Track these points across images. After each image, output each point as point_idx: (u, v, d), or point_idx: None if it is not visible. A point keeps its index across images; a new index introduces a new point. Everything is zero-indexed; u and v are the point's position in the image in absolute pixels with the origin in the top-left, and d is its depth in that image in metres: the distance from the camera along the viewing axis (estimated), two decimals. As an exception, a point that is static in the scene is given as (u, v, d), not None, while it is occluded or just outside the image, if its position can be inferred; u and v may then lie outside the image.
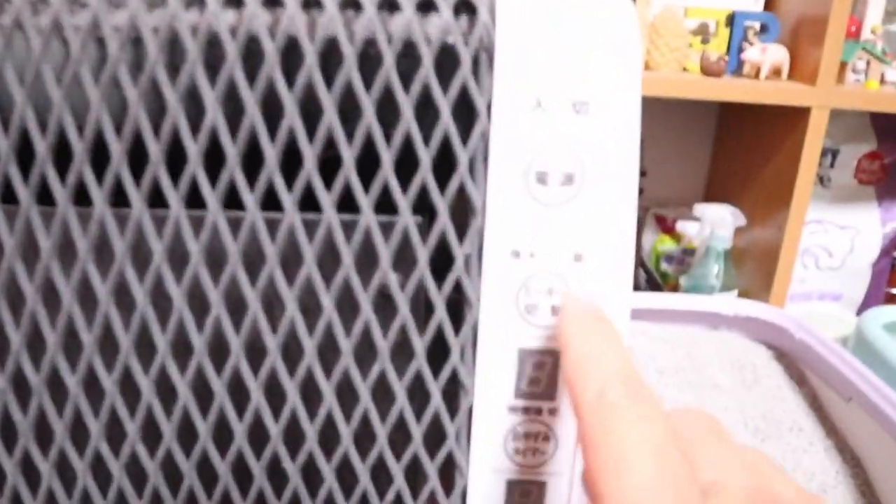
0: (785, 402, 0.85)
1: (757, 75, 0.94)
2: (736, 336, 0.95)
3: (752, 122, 1.05)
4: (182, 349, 0.27)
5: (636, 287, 1.18)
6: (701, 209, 1.04)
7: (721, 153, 1.17)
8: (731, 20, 0.97)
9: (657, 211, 1.18)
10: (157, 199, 0.25)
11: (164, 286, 0.26)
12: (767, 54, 0.92)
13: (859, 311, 1.13)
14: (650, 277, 1.17)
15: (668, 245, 1.14)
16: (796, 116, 0.92)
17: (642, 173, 1.21)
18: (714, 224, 1.02)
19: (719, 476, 0.21)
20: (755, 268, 1.06)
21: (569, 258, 0.26)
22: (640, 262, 1.20)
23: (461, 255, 0.25)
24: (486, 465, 0.28)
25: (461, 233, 0.26)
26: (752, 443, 0.78)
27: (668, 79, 0.92)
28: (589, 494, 0.21)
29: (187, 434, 0.27)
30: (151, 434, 0.27)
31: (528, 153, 0.25)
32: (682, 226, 1.09)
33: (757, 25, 0.96)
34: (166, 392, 0.27)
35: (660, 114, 1.16)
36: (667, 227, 1.16)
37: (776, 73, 0.94)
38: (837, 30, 0.88)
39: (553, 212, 0.25)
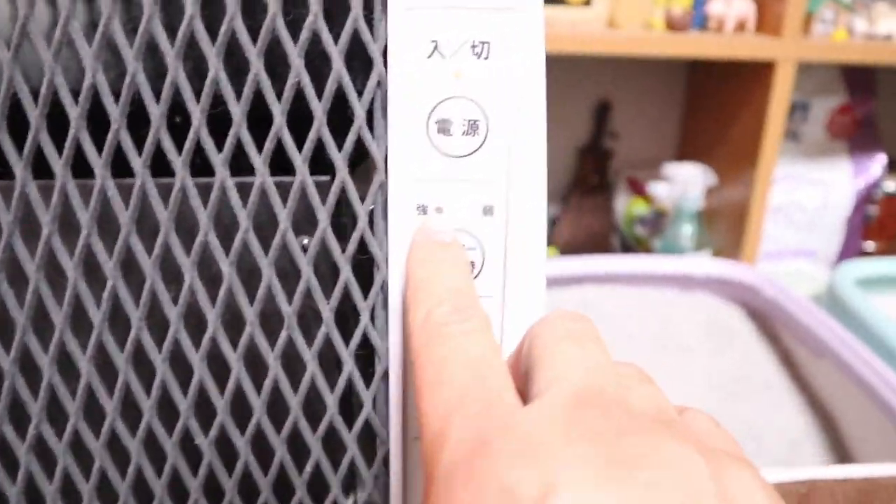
0: (757, 361, 0.84)
1: (721, 29, 0.93)
2: (708, 297, 0.94)
3: (720, 78, 1.04)
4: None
5: (609, 251, 1.17)
6: (671, 169, 1.03)
7: (691, 112, 1.15)
8: (694, -25, 0.95)
9: (630, 173, 1.17)
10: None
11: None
12: (732, 7, 0.91)
13: (834, 268, 1.12)
14: (624, 241, 1.16)
15: (640, 208, 1.13)
16: (763, 70, 0.91)
17: (613, 136, 1.20)
18: (685, 184, 1.01)
19: (557, 374, 0.18)
20: (727, 227, 1.05)
21: (477, 211, 0.25)
22: (613, 227, 1.19)
23: (363, 213, 0.24)
24: (407, 432, 0.27)
25: (363, 190, 0.24)
26: (722, 404, 0.78)
27: (632, 36, 0.90)
28: (416, 413, 0.20)
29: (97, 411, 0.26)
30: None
31: (429, 101, 0.24)
32: (654, 188, 1.08)
33: (720, -21, 0.94)
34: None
35: (627, 74, 1.14)
36: (639, 190, 1.15)
37: (741, 26, 0.93)
38: (801, -21, 0.87)
39: (458, 163, 0.24)
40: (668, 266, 0.93)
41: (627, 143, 1.19)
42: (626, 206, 1.16)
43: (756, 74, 0.93)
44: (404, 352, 0.26)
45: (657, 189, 1.07)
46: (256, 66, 0.23)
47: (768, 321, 0.89)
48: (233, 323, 0.26)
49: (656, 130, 1.19)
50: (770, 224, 1.05)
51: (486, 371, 0.19)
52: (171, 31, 0.23)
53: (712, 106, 1.08)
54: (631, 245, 1.14)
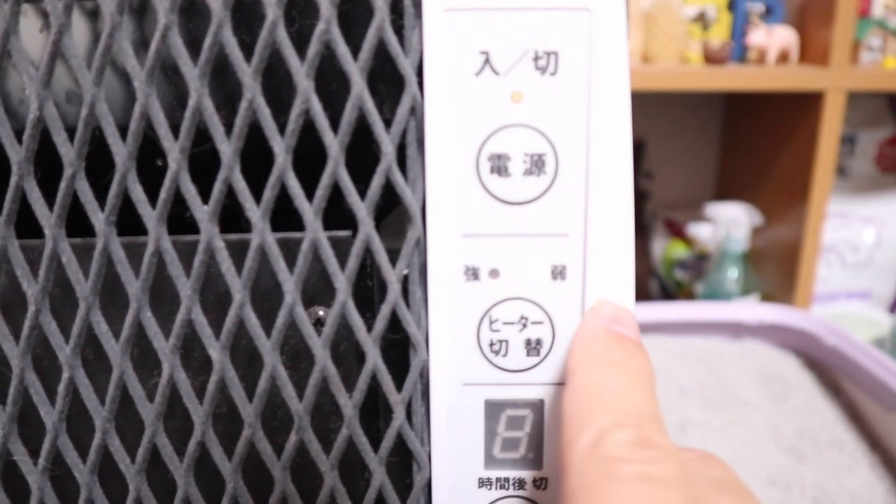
0: (820, 415, 0.77)
1: (762, 60, 0.87)
2: (761, 345, 0.87)
3: (762, 111, 0.98)
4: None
5: (648, 298, 1.10)
6: (713, 210, 0.96)
7: (730, 148, 1.09)
8: (732, 4, 0.90)
9: (667, 215, 1.11)
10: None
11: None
12: (774, 37, 0.85)
13: (892, 309, 1.05)
14: (663, 287, 1.10)
15: (680, 251, 1.06)
16: (809, 102, 0.85)
17: (648, 176, 1.14)
18: (728, 225, 0.94)
19: None
20: (775, 269, 0.98)
21: (544, 275, 0.19)
22: (651, 271, 1.13)
23: (395, 280, 0.18)
24: (455, 560, 0.20)
25: (395, 249, 0.19)
26: (787, 464, 0.70)
27: (668, 70, 0.85)
28: None
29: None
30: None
31: (479, 132, 0.18)
32: (695, 229, 1.02)
33: (760, 7, 0.89)
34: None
35: (662, 110, 1.09)
36: (678, 232, 1.08)
37: (784, 57, 0.87)
38: (848, 5, 0.81)
39: (519, 212, 0.18)
40: (716, 312, 0.87)
41: (663, 182, 1.13)
42: (664, 249, 1.09)
43: (802, 106, 0.87)
44: (452, 459, 0.20)
45: (698, 230, 1.01)
46: (252, 90, 0.17)
47: (828, 371, 0.82)
48: (227, 424, 0.20)
49: (693, 169, 1.13)
50: (821, 265, 0.98)
51: None
52: (142, 47, 0.17)
53: (754, 141, 1.02)
54: (671, 290, 1.07)
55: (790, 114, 0.90)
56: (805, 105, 0.86)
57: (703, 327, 0.87)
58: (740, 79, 0.84)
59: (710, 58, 0.87)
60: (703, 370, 0.82)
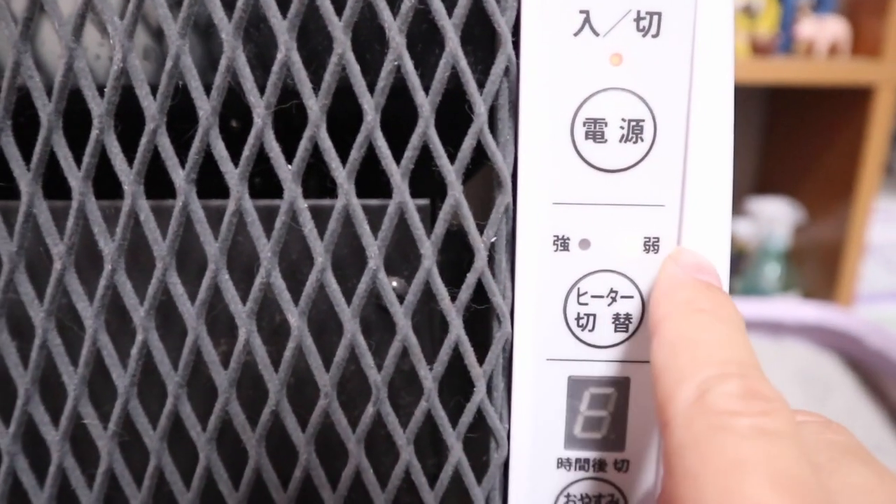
0: (862, 418, 0.75)
1: (811, 52, 0.85)
2: (801, 345, 0.85)
3: (807, 105, 0.96)
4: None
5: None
6: (755, 205, 0.95)
7: (773, 142, 1.07)
8: (780, -4, 0.88)
9: (703, 210, 1.09)
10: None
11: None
12: (825, 29, 0.83)
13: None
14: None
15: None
16: (859, 96, 0.83)
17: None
18: (771, 221, 0.93)
19: None
20: (817, 268, 0.96)
21: (637, 247, 0.18)
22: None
23: (483, 248, 0.18)
24: (530, 542, 0.20)
25: (483, 216, 0.18)
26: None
27: (713, 62, 0.83)
28: None
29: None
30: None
31: (575, 95, 0.17)
32: (734, 225, 1.00)
33: (810, -1, 0.87)
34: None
35: (703, 104, 1.07)
36: (715, 227, 1.06)
37: (833, 49, 0.85)
38: (903, -3, 0.79)
39: (613, 180, 0.17)
40: (756, 310, 0.85)
41: (701, 176, 1.11)
42: (700, 243, 1.07)
43: (851, 100, 0.85)
44: (531, 437, 0.19)
45: (737, 226, 0.99)
46: (342, 45, 0.16)
47: (872, 373, 0.80)
48: (302, 392, 0.19)
49: (734, 162, 1.11)
50: (865, 265, 0.96)
51: (808, 500, 0.12)
52: (227, 2, 0.17)
53: (798, 136, 1.00)
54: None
55: (838, 108, 0.88)
56: (854, 99, 0.84)
57: (742, 324, 0.84)
58: (788, 71, 0.82)
59: (758, 49, 0.85)
60: (742, 368, 0.80)
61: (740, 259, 1.01)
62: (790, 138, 1.02)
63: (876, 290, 0.99)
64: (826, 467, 0.14)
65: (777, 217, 0.92)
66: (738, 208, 1.00)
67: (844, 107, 0.87)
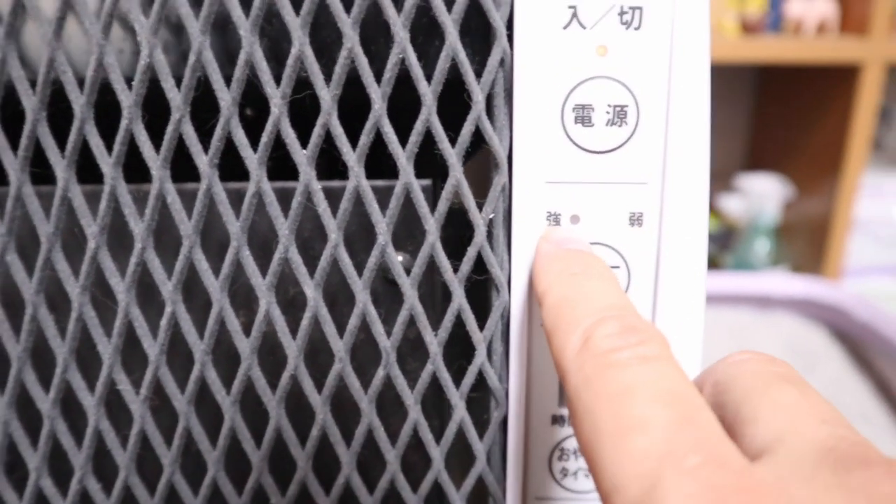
0: (849, 389, 0.77)
1: (799, 31, 0.86)
2: (790, 317, 0.87)
3: (796, 82, 0.97)
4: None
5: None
6: (744, 182, 0.96)
7: (763, 119, 1.09)
8: (769, -25, 0.89)
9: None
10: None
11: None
12: (813, 7, 0.85)
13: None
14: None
15: (708, 223, 1.06)
16: (847, 73, 0.85)
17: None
18: (760, 197, 0.94)
19: (783, 427, 0.14)
20: (806, 243, 0.98)
21: (623, 221, 0.20)
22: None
23: (482, 223, 0.19)
24: (528, 491, 0.22)
25: (481, 195, 0.19)
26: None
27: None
28: (590, 472, 0.15)
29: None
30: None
31: (565, 83, 0.19)
32: (723, 201, 1.02)
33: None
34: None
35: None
36: (707, 204, 1.08)
37: (822, 27, 0.86)
38: (889, -24, 0.80)
39: (600, 160, 0.19)
40: (745, 284, 0.87)
41: (692, 154, 1.13)
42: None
43: (839, 78, 0.87)
44: (528, 396, 0.21)
45: (728, 203, 1.01)
46: (351, 40, 0.18)
47: (859, 345, 0.82)
48: (317, 358, 0.21)
49: (723, 140, 1.13)
50: (851, 239, 0.98)
51: (688, 409, 0.13)
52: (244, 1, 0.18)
53: (787, 113, 1.01)
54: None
55: (826, 85, 0.90)
56: (842, 76, 0.86)
57: (731, 299, 0.87)
58: (777, 49, 0.84)
59: (748, 28, 0.86)
60: (731, 341, 0.83)
61: (731, 235, 1.03)
62: (779, 116, 1.04)
63: (863, 264, 1.01)
64: (759, 388, 0.15)
65: (766, 193, 0.94)
66: (728, 185, 1.02)
67: (832, 84, 0.88)
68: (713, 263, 1.05)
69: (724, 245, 1.04)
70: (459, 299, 0.20)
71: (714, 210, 1.07)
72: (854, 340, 0.82)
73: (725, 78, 1.08)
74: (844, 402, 0.75)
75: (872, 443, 0.14)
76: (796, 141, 0.98)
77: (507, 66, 0.19)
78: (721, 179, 1.07)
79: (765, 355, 0.17)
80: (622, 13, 0.18)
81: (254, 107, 0.22)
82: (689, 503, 0.12)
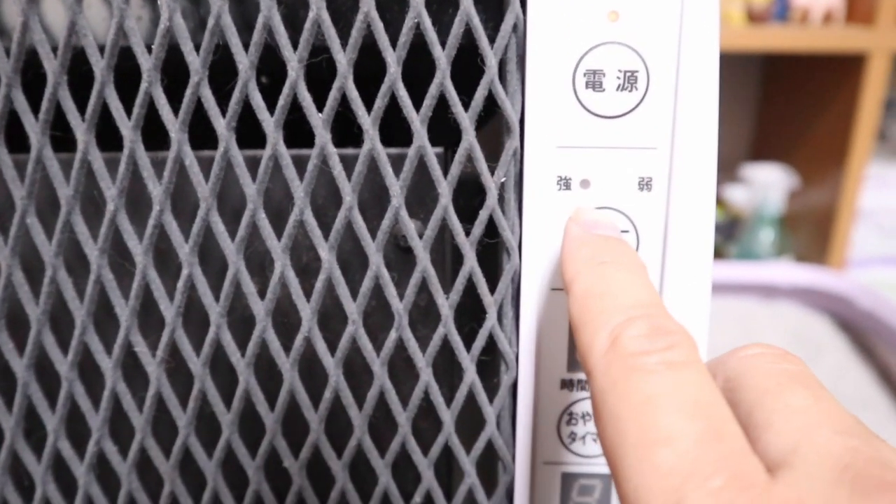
0: (852, 377, 0.78)
1: (805, 20, 0.86)
2: (794, 307, 0.88)
3: (801, 72, 0.97)
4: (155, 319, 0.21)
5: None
6: (749, 172, 0.97)
7: (768, 109, 1.09)
8: (775, -36, 0.89)
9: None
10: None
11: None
12: (819, -3, 0.85)
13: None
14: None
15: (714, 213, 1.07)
16: (852, 63, 0.85)
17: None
18: (765, 187, 0.95)
19: (798, 438, 0.14)
20: (810, 233, 0.98)
21: (632, 185, 0.20)
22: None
23: (493, 188, 0.20)
24: (536, 455, 0.22)
25: (493, 159, 0.20)
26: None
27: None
28: (612, 475, 0.15)
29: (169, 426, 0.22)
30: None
31: (576, 49, 0.19)
32: (729, 191, 1.02)
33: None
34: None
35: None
36: (711, 195, 1.08)
37: (828, 17, 0.86)
38: (896, -35, 0.80)
39: (611, 125, 0.19)
40: (749, 274, 0.87)
41: (697, 145, 1.13)
42: (697, 211, 1.09)
43: (844, 68, 0.87)
44: (537, 360, 0.21)
45: (732, 193, 1.01)
46: (367, 4, 0.18)
47: (862, 334, 0.82)
48: (330, 321, 0.22)
49: (728, 130, 1.13)
50: (855, 229, 0.98)
51: (714, 423, 0.14)
52: (265, -36, 0.19)
53: (792, 103, 1.02)
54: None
55: (832, 75, 0.90)
56: (848, 66, 0.86)
57: (736, 288, 0.87)
58: (783, 39, 0.84)
59: (754, 17, 0.86)
60: (736, 331, 0.83)
61: (735, 224, 1.03)
62: (784, 105, 1.04)
63: (867, 254, 1.01)
64: (771, 391, 0.15)
65: (771, 183, 0.94)
66: (732, 175, 1.02)
67: (838, 74, 0.89)
68: (718, 253, 1.05)
69: (729, 235, 1.04)
70: (471, 262, 0.20)
71: (719, 200, 1.07)
72: (857, 329, 0.82)
73: (731, 67, 1.08)
74: (847, 390, 0.75)
75: (886, 450, 0.14)
76: (801, 131, 0.99)
77: (519, 31, 0.19)
78: (726, 170, 1.07)
79: (777, 350, 0.17)
80: (633, -21, 0.19)
81: (269, 75, 0.22)
82: None
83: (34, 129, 0.20)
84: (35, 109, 0.20)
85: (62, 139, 0.20)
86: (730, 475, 0.13)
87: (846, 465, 0.13)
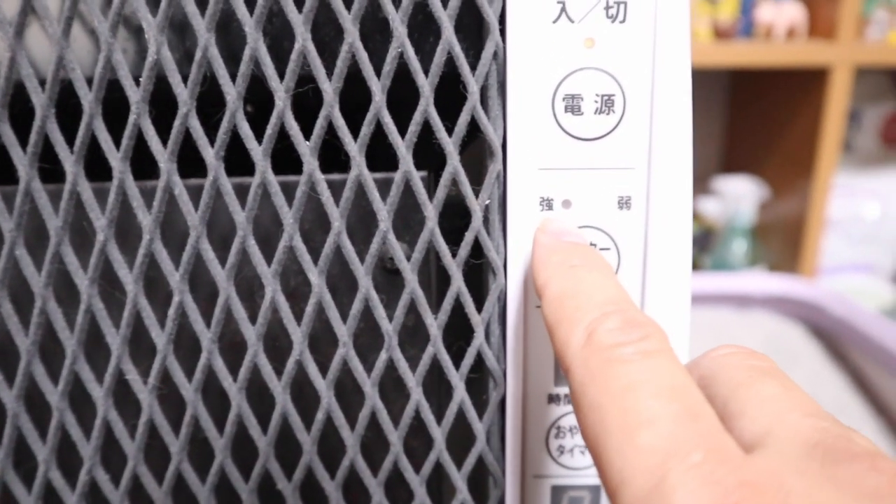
0: (827, 383, 0.79)
1: (770, 36, 0.89)
2: (767, 316, 0.89)
3: (767, 86, 1.00)
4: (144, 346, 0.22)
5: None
6: (721, 184, 0.98)
7: (736, 123, 1.11)
8: (739, -19, 0.92)
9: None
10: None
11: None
12: (782, 12, 0.87)
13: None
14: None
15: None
16: (816, 76, 0.87)
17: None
18: (737, 199, 0.96)
19: (770, 422, 0.15)
20: (781, 243, 1.00)
21: (612, 205, 0.21)
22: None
23: (478, 209, 0.20)
24: (526, 469, 0.22)
25: (477, 182, 0.20)
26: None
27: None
28: (595, 464, 0.15)
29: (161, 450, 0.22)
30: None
31: (555, 75, 0.20)
32: (701, 204, 1.04)
33: (768, -16, 0.91)
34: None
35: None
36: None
37: (791, 32, 0.89)
38: (855, -19, 0.83)
39: (590, 147, 0.20)
40: (724, 284, 0.89)
41: (669, 158, 1.15)
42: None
43: (809, 81, 0.89)
44: (524, 376, 0.22)
45: (705, 205, 1.03)
46: (352, 35, 0.19)
47: (835, 340, 0.84)
48: (320, 344, 0.22)
49: (699, 144, 1.15)
50: (825, 238, 1.00)
51: (689, 404, 0.14)
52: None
53: (759, 116, 1.04)
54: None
55: (797, 88, 0.92)
56: (812, 80, 0.88)
57: (711, 299, 0.89)
58: (749, 54, 0.86)
59: (720, 33, 0.88)
60: (710, 340, 0.84)
61: (709, 236, 1.05)
62: (752, 119, 1.06)
63: (837, 262, 1.03)
64: (744, 384, 0.16)
65: (742, 195, 0.96)
66: (704, 188, 1.04)
67: (803, 87, 0.91)
68: (692, 265, 1.07)
69: (703, 246, 1.06)
70: (458, 283, 0.20)
71: (692, 213, 1.08)
72: (830, 335, 0.84)
73: (699, 83, 1.11)
74: (823, 397, 0.77)
75: (852, 431, 0.15)
76: (770, 143, 1.01)
77: (500, 58, 0.20)
78: (698, 182, 1.09)
79: (747, 349, 0.18)
80: (608, 7, 0.20)
81: (254, 104, 0.23)
82: (695, 497, 0.13)
83: (22, 161, 0.20)
84: (23, 142, 0.20)
85: (50, 171, 0.21)
86: (708, 450, 0.13)
87: (816, 441, 0.14)
